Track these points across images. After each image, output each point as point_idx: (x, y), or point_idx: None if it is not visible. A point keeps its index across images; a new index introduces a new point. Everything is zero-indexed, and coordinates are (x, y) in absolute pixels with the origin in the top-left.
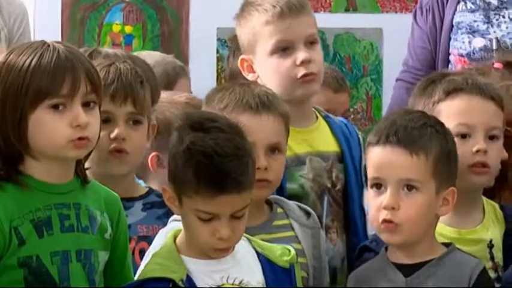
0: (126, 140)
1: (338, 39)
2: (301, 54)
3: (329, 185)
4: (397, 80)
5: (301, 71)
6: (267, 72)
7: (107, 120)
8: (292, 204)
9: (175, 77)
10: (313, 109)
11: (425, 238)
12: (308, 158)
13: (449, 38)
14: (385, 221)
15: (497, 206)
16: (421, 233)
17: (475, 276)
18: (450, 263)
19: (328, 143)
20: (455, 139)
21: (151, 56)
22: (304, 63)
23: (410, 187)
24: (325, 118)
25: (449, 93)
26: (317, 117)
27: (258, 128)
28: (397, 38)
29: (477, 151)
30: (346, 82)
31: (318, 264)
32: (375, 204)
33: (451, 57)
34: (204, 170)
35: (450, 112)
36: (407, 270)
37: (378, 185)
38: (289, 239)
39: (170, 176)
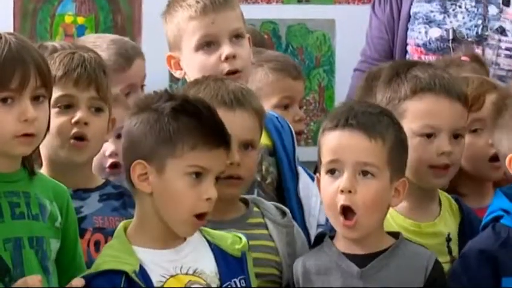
0: (88, 125)
1: (290, 30)
2: (225, 50)
3: (259, 179)
4: (355, 70)
5: (225, 68)
6: (193, 68)
7: (69, 106)
8: (269, 204)
9: (133, 56)
10: None
11: (377, 228)
12: None
13: (407, 28)
14: (343, 207)
15: (451, 198)
16: (376, 222)
17: (430, 266)
18: (403, 253)
19: None
20: (419, 138)
21: (108, 36)
22: (229, 58)
23: (366, 172)
24: None
25: (416, 92)
26: None
27: (232, 124)
28: (349, 29)
29: (442, 153)
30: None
31: (292, 262)
32: (330, 190)
33: (408, 47)
34: (200, 123)
35: (416, 112)
36: (360, 260)
37: (333, 171)
38: (262, 237)
39: (146, 149)
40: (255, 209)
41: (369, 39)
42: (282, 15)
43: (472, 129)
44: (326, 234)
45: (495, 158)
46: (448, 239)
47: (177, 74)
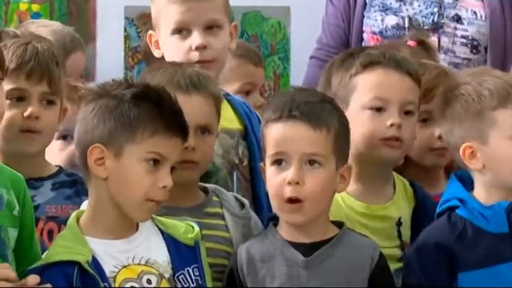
0: (39, 119)
1: (246, 17)
2: (195, 40)
3: (237, 161)
4: (311, 57)
5: (195, 57)
6: (168, 51)
7: (20, 99)
8: (229, 195)
9: (70, 49)
10: None
11: (322, 216)
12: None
13: (363, 16)
14: (290, 199)
15: (407, 182)
16: (322, 210)
17: (376, 257)
18: (348, 243)
19: (231, 121)
20: (370, 112)
21: (52, 25)
22: (199, 48)
23: (312, 162)
24: (226, 97)
25: (366, 66)
26: None
27: (188, 108)
28: (304, 16)
29: (391, 125)
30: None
31: None
32: (276, 181)
33: (364, 35)
34: (162, 111)
35: (366, 85)
36: (304, 249)
37: (279, 161)
38: (218, 227)
39: (104, 134)
40: (215, 198)
41: (325, 26)
42: (237, 2)
43: (421, 119)
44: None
45: (436, 148)
46: (399, 223)
47: (156, 53)
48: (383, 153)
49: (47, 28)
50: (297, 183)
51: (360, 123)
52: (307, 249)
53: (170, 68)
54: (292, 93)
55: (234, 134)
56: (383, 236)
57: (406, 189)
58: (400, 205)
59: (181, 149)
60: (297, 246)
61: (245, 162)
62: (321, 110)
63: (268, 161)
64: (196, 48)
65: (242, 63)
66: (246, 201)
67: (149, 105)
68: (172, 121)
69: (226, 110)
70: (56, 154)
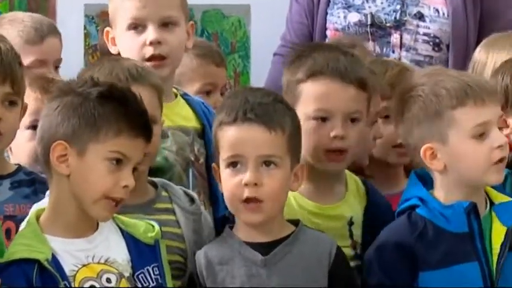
0: (1, 120)
1: (206, 15)
2: (150, 35)
3: (192, 158)
4: (275, 54)
5: (149, 52)
6: (123, 47)
7: None
8: (179, 189)
9: (46, 33)
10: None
11: (279, 215)
12: (170, 131)
13: (326, 13)
14: (248, 199)
15: (359, 180)
16: (280, 209)
17: (333, 252)
18: (305, 240)
19: (188, 119)
20: (314, 122)
21: (28, 13)
22: (153, 43)
23: (269, 163)
24: (184, 96)
25: (309, 76)
26: (176, 95)
27: None
28: (264, 14)
29: (335, 137)
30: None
31: (199, 249)
32: (232, 183)
33: (328, 32)
34: (127, 111)
35: (310, 95)
36: (263, 248)
37: (235, 164)
38: (169, 223)
39: (67, 131)
40: (164, 193)
41: (289, 23)
42: (197, 1)
43: (383, 115)
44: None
45: (400, 145)
46: (350, 223)
47: (113, 49)
48: (326, 166)
49: (25, 13)
50: (255, 184)
51: (305, 132)
52: (265, 248)
53: (107, 62)
54: (245, 94)
55: (189, 132)
56: (335, 236)
57: (359, 188)
58: (351, 204)
59: (144, 150)
60: (254, 246)
61: (201, 160)
62: (274, 111)
63: (223, 163)
64: (151, 43)
65: (204, 63)
66: (196, 196)
67: (114, 104)
68: (137, 122)
69: (183, 108)
70: (24, 144)
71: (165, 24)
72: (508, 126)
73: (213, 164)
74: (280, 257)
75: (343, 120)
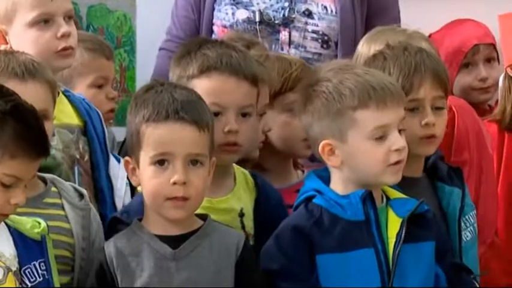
0: None
1: (91, 10)
2: (63, 28)
3: (78, 156)
4: (160, 48)
5: (61, 44)
6: (24, 43)
7: None
8: (68, 185)
9: None
10: None
11: None
12: (56, 129)
13: (213, 9)
14: (176, 197)
15: (248, 173)
16: (200, 205)
17: (241, 245)
18: (213, 233)
19: (71, 116)
20: None
21: None
22: (65, 36)
23: (195, 162)
24: (64, 93)
25: (203, 71)
26: (58, 93)
27: (25, 96)
28: (150, 8)
29: (229, 131)
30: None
31: (87, 245)
32: (159, 181)
33: (215, 28)
34: (26, 133)
35: (203, 91)
36: (172, 242)
37: (162, 161)
38: (58, 218)
39: None
40: (53, 188)
41: (174, 18)
42: None
43: (289, 108)
44: (120, 219)
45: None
46: (241, 214)
47: (1, 48)
48: (221, 158)
49: None
50: (184, 183)
51: None
52: (175, 242)
53: (3, 56)
54: (169, 90)
55: (73, 129)
56: None
57: (248, 181)
58: (241, 196)
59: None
60: (164, 239)
61: (86, 157)
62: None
63: (147, 160)
64: (62, 36)
65: (95, 56)
66: (85, 192)
67: (14, 126)
68: (35, 144)
69: (65, 105)
70: None
71: (69, 18)
72: None
73: (126, 158)
74: (189, 251)
75: (236, 115)
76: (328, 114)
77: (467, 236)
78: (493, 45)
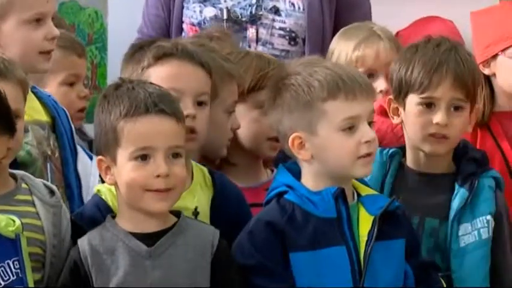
0: None
1: (63, 7)
2: (54, 31)
3: (49, 153)
4: None
5: (49, 46)
6: (14, 41)
7: None
8: (38, 181)
9: None
10: None
11: None
12: (30, 126)
13: (182, 7)
14: (158, 190)
15: (206, 170)
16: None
17: (216, 242)
18: (188, 230)
19: (40, 113)
20: None
21: None
22: (54, 39)
23: (175, 154)
24: (32, 90)
25: (159, 58)
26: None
27: None
28: (121, 5)
29: (187, 116)
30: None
31: (58, 242)
32: (140, 174)
33: (184, 26)
34: None
35: (159, 77)
36: (146, 239)
37: (144, 156)
38: (29, 215)
39: None
40: (24, 185)
41: (145, 16)
42: None
43: (261, 106)
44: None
45: (274, 138)
46: (195, 213)
47: None
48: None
49: None
50: (167, 175)
51: None
52: (149, 239)
53: None
54: (141, 86)
55: (44, 125)
56: None
57: (205, 179)
58: (197, 194)
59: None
60: (138, 236)
61: (57, 154)
62: (176, 102)
63: (127, 156)
64: (52, 38)
65: (67, 54)
66: (55, 188)
67: None
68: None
69: (34, 102)
70: None
71: (52, 19)
72: (399, 116)
73: (100, 157)
74: (164, 248)
75: (193, 101)
76: (297, 106)
77: (468, 239)
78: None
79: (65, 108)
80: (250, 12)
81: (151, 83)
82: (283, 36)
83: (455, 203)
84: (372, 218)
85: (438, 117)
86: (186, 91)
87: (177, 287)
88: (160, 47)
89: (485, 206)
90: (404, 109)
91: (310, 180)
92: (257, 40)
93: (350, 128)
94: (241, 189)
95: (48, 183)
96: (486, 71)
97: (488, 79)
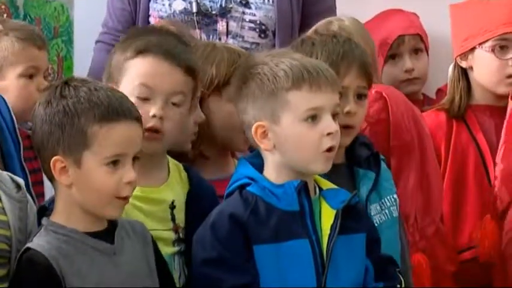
0: None
1: (28, 0)
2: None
3: None
4: (97, 41)
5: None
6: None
7: None
8: (5, 175)
9: None
10: None
11: None
12: None
13: (149, 0)
14: (125, 197)
15: (181, 166)
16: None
17: (147, 231)
18: (124, 225)
19: None
20: (135, 100)
21: None
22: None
23: (137, 158)
24: None
25: (139, 52)
26: None
27: None
28: None
29: (153, 116)
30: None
31: (23, 238)
32: (113, 180)
33: (151, 19)
34: None
35: (135, 72)
36: (102, 237)
37: (115, 162)
38: None
39: None
40: None
41: (110, 10)
42: None
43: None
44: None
45: None
46: (172, 207)
47: None
48: (143, 145)
49: None
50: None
51: None
52: (101, 238)
53: None
54: (108, 92)
55: None
56: (156, 219)
57: (181, 174)
58: (174, 188)
59: None
60: (92, 235)
61: None
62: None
63: (99, 161)
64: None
65: (25, 46)
66: (22, 182)
67: None
68: None
69: None
70: None
71: None
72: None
73: (56, 158)
74: (121, 244)
75: (164, 101)
76: (262, 95)
77: (380, 219)
78: (419, 36)
79: (4, 98)
80: (220, 5)
81: (100, 86)
82: (254, 29)
83: (364, 186)
84: (334, 212)
85: (348, 105)
86: (158, 90)
87: (143, 277)
88: (144, 41)
89: (389, 184)
90: None
91: (272, 172)
92: (227, 33)
93: (313, 117)
94: (211, 182)
95: (15, 177)
96: (463, 64)
97: (465, 72)
